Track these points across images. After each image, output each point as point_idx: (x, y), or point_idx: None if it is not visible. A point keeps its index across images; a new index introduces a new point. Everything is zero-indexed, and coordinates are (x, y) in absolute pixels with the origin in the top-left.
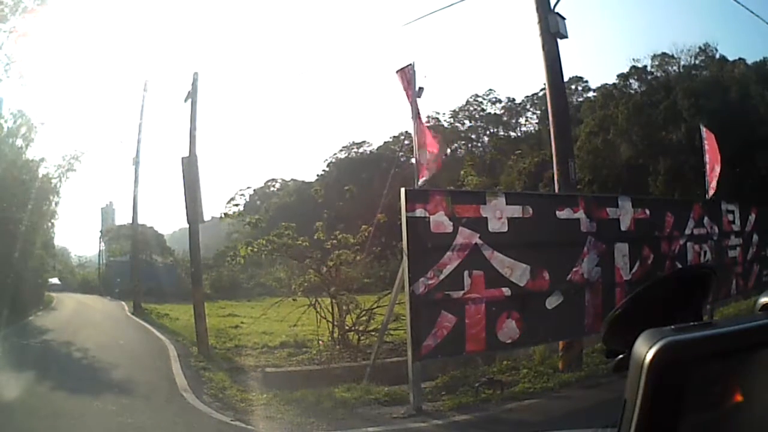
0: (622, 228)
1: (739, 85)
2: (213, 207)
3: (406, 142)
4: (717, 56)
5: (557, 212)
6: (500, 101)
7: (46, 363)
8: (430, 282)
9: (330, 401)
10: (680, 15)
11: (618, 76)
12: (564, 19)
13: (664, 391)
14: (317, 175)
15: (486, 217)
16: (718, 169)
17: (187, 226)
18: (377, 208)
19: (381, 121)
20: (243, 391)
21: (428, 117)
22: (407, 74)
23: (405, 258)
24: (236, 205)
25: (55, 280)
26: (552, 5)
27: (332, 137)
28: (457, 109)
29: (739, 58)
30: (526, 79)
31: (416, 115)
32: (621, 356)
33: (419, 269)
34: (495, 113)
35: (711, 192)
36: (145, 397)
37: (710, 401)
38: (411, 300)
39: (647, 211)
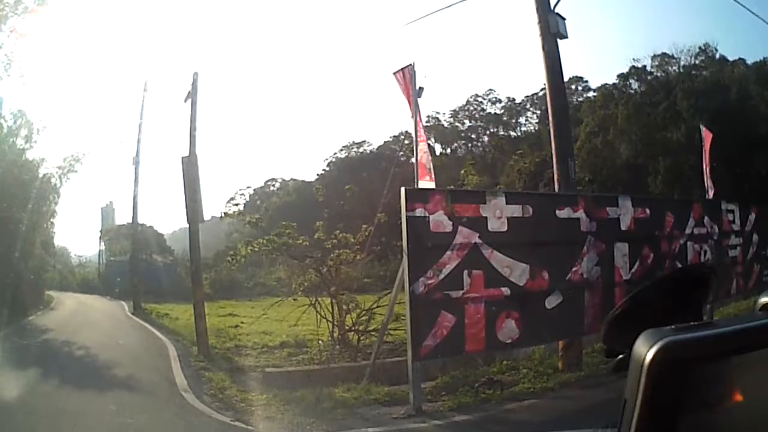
0: (622, 227)
1: (738, 86)
2: (213, 207)
3: (406, 141)
4: (717, 56)
5: (557, 212)
6: (500, 101)
7: (47, 363)
8: (429, 282)
9: (330, 401)
10: (680, 15)
11: (618, 76)
12: (564, 19)
13: (664, 391)
14: (317, 175)
15: (486, 217)
16: (707, 170)
17: (187, 225)
18: (377, 208)
19: (381, 121)
20: (243, 391)
21: (428, 117)
22: (407, 74)
23: (405, 257)
24: (236, 204)
25: None
26: (552, 5)
27: (332, 137)
28: (457, 109)
29: (739, 59)
30: (526, 79)
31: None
32: (621, 356)
33: (419, 269)
34: (495, 113)
35: (711, 193)
36: (146, 397)
37: (710, 401)
38: (411, 300)
39: (647, 211)
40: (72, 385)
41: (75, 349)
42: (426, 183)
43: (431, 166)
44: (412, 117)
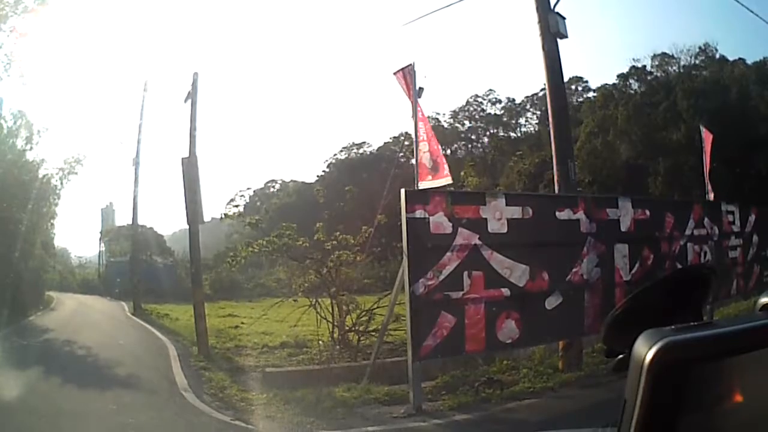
0: (622, 228)
1: (739, 86)
2: (213, 208)
3: (406, 142)
4: (717, 56)
5: (557, 213)
6: (500, 102)
7: (47, 363)
8: (429, 282)
9: (330, 401)
10: (680, 15)
11: (618, 76)
12: (564, 18)
13: (664, 391)
14: (317, 176)
15: (485, 218)
16: (708, 171)
17: (187, 226)
18: (377, 209)
19: (381, 122)
20: (243, 391)
21: (428, 117)
22: (407, 75)
23: (405, 259)
24: (236, 205)
25: None
26: (552, 5)
27: (332, 138)
28: (457, 110)
29: (739, 58)
30: (526, 79)
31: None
32: (621, 356)
33: (419, 270)
34: (495, 114)
35: (711, 195)
36: (146, 397)
37: (710, 401)
38: (411, 300)
39: (647, 212)
40: (72, 384)
41: (75, 349)
42: (427, 183)
43: (429, 164)
44: (413, 117)
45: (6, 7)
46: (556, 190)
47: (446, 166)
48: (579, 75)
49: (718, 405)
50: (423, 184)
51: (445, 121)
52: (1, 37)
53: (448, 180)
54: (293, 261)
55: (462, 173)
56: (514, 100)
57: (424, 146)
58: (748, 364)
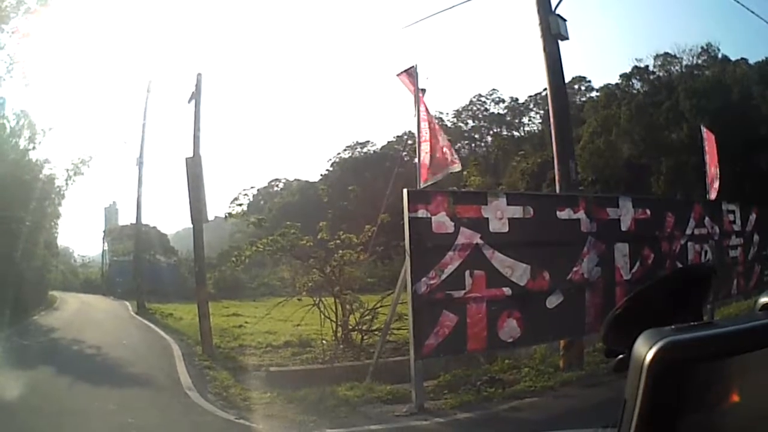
0: (623, 228)
1: (741, 86)
2: (217, 207)
3: (409, 142)
4: (719, 56)
5: (558, 212)
6: (503, 101)
7: (51, 363)
8: (431, 282)
9: (333, 400)
10: (682, 15)
11: (620, 76)
12: (565, 20)
13: (664, 391)
14: (321, 175)
15: (487, 218)
16: (714, 171)
17: (191, 225)
18: (381, 208)
19: (385, 121)
20: (246, 390)
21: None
22: (410, 76)
23: (407, 258)
24: (240, 204)
25: None
26: (553, 7)
27: (336, 137)
28: (460, 109)
29: (741, 58)
30: (529, 78)
31: (419, 116)
32: (621, 356)
33: (421, 269)
34: (498, 113)
35: (713, 194)
36: (150, 396)
37: (710, 401)
38: (413, 299)
39: (648, 211)
40: (76, 384)
41: (79, 349)
42: (435, 178)
43: (430, 163)
44: (415, 117)
45: (8, 8)
46: (557, 190)
47: (449, 156)
48: (582, 75)
49: (718, 405)
50: (427, 183)
51: (448, 120)
52: (4, 38)
53: (458, 167)
54: (297, 260)
55: (465, 172)
56: (517, 99)
57: (425, 147)
58: (748, 364)
